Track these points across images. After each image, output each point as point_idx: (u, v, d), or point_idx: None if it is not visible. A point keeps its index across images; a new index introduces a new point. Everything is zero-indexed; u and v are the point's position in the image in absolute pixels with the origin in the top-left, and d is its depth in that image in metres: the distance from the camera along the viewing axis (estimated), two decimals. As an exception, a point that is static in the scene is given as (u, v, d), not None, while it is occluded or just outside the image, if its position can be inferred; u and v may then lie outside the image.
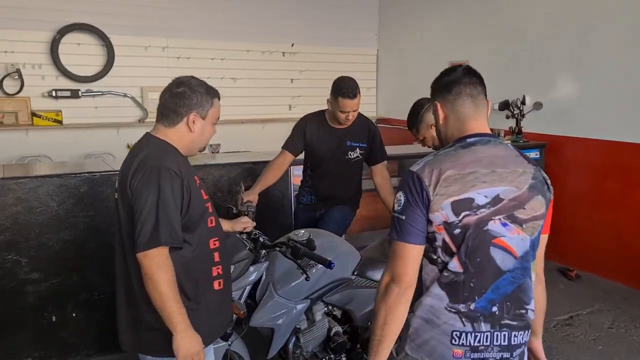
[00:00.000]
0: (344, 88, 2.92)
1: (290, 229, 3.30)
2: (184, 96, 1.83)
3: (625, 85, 4.10)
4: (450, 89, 1.53)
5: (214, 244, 1.85)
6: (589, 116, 4.45)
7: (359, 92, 2.94)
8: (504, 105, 4.76)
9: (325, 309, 2.56)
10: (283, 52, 6.39)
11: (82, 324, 3.14)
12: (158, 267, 1.63)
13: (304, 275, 2.16)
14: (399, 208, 1.43)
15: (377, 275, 2.57)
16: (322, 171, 3.19)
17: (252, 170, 3.54)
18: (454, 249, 1.41)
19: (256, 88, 6.21)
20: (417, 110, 2.63)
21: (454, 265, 1.42)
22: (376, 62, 7.10)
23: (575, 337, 3.47)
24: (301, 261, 2.23)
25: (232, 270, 2.22)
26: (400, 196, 1.43)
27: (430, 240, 1.44)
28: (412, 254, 1.42)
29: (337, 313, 2.63)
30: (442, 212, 1.39)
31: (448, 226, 1.40)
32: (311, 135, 3.13)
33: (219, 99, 1.99)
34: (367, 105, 6.98)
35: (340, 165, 3.15)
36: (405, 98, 6.60)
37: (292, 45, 6.41)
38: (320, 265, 2.17)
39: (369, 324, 2.65)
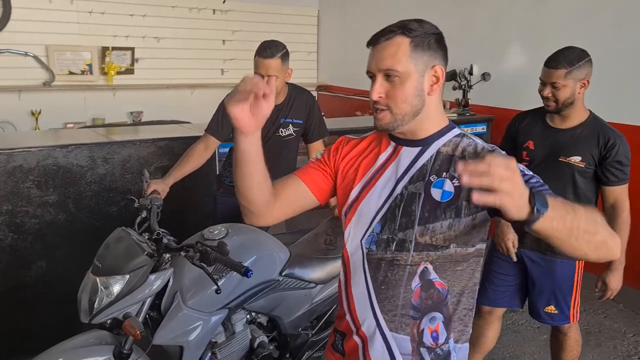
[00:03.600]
0: (263, 46, 2.51)
1: (215, 216, 2.90)
2: None
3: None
4: None
5: None
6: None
7: (282, 57, 2.50)
8: (451, 76, 4.46)
9: (248, 316, 2.19)
10: (213, 10, 5.77)
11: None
12: None
13: (215, 287, 1.76)
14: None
15: (308, 274, 2.24)
16: None
17: (169, 148, 3.06)
18: None
19: (183, 49, 5.60)
20: (582, 54, 2.16)
21: None
22: (317, 24, 6.62)
23: (519, 326, 3.30)
24: (214, 267, 1.84)
25: (126, 280, 1.81)
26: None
27: None
28: None
29: (263, 320, 2.27)
30: None
31: None
32: None
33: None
34: (307, 70, 6.53)
35: (270, 146, 2.72)
36: (349, 64, 6.29)
37: (223, 2, 5.79)
38: (236, 271, 1.77)
39: (299, 330, 2.32)
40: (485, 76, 4.48)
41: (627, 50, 3.48)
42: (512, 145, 2.41)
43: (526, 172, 1.15)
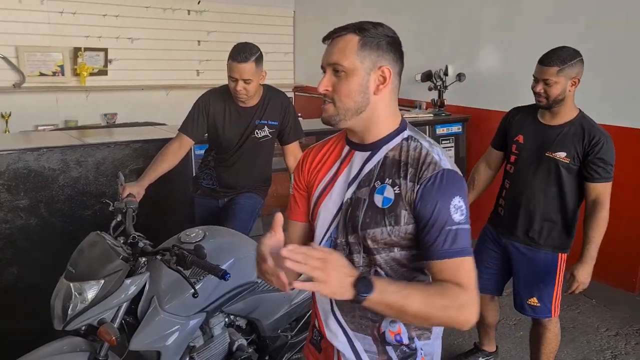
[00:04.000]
0: (236, 50, 2.48)
1: (193, 219, 2.86)
2: None
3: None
4: None
5: None
6: (513, 90, 4.27)
7: (256, 60, 2.48)
8: (427, 77, 4.50)
9: (226, 320, 2.17)
10: (188, 10, 5.71)
11: None
12: None
13: (191, 291, 1.74)
14: (465, 218, 1.18)
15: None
16: (227, 157, 2.73)
17: (144, 151, 3.02)
18: None
19: (158, 50, 5.53)
20: (575, 53, 2.21)
21: None
22: (293, 25, 6.60)
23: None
24: (191, 271, 1.82)
25: (101, 285, 1.78)
26: (462, 202, 1.18)
27: None
28: None
29: (241, 323, 2.25)
30: None
31: None
32: (216, 117, 2.64)
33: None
34: (284, 71, 6.52)
35: (246, 148, 2.71)
36: (324, 64, 6.32)
37: (198, 3, 5.74)
38: (213, 274, 1.76)
39: (278, 332, 2.31)
40: (460, 77, 4.53)
41: (598, 50, 3.56)
42: (502, 139, 2.49)
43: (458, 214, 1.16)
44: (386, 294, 1.06)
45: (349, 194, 1.26)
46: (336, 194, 1.28)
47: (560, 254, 2.37)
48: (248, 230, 2.64)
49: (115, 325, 1.81)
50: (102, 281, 1.79)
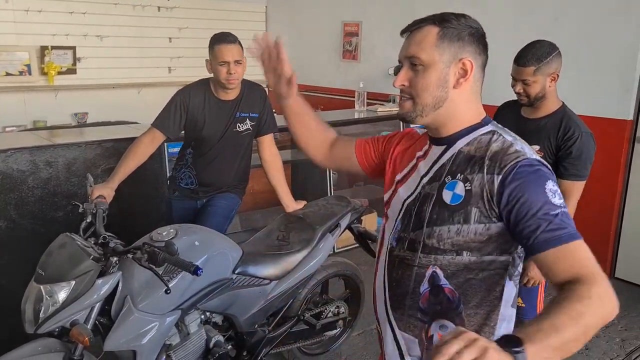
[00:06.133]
0: (220, 34, 2.51)
1: (170, 222, 2.80)
2: None
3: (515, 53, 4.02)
4: None
5: None
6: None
7: (240, 44, 2.53)
8: (399, 70, 4.51)
9: (202, 317, 2.17)
10: (158, 7, 5.62)
11: None
12: None
13: (165, 287, 1.73)
14: (563, 201, 1.07)
15: (261, 271, 2.23)
16: (206, 152, 2.69)
17: (116, 150, 2.97)
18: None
19: (128, 48, 5.43)
20: (550, 49, 2.15)
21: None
22: (265, 20, 6.57)
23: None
24: (164, 268, 1.81)
25: (72, 286, 1.76)
26: (555, 186, 1.08)
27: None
28: None
29: (218, 319, 2.25)
30: None
31: None
32: (196, 112, 2.59)
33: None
34: (257, 67, 6.44)
35: (227, 141, 2.67)
36: (298, 59, 6.24)
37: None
38: (187, 271, 1.75)
39: (255, 327, 2.32)
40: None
41: (566, 42, 3.62)
42: None
43: (552, 209, 1.03)
44: (538, 343, 0.85)
45: (419, 188, 1.21)
46: (408, 187, 1.25)
47: None
48: (223, 232, 2.61)
49: (89, 326, 1.79)
50: (73, 282, 1.77)
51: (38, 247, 1.97)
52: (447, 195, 1.14)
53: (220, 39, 2.49)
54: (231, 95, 2.62)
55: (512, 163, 1.07)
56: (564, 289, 0.98)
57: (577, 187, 2.15)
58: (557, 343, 0.88)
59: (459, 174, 1.13)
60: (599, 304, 0.94)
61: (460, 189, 1.12)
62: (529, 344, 0.84)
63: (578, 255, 1.01)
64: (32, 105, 5.05)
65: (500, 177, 1.06)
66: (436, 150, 1.22)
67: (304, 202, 2.73)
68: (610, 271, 3.80)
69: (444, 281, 1.16)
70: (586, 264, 1.00)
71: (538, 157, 1.11)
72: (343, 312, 2.72)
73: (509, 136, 1.16)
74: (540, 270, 1.06)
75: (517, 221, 1.04)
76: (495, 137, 1.15)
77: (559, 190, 1.06)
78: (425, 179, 1.20)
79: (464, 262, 1.14)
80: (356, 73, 5.41)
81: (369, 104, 4.71)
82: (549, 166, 1.11)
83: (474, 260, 1.13)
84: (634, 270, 3.72)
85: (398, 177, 1.30)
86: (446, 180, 1.15)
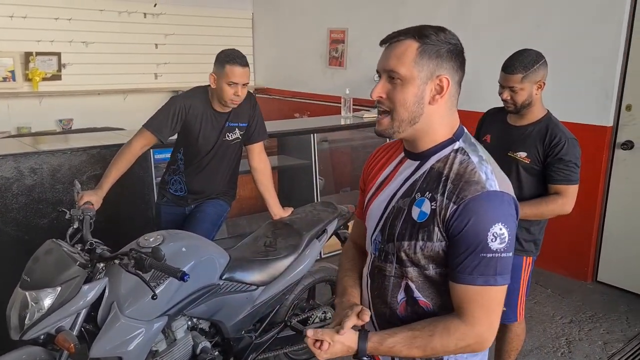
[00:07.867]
0: (233, 54, 2.47)
1: (159, 227, 2.79)
2: None
3: (499, 60, 4.08)
4: None
5: None
6: (465, 88, 4.39)
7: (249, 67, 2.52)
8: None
9: (189, 323, 2.17)
10: (144, 14, 5.63)
11: None
12: None
13: (151, 293, 1.73)
14: (505, 245, 1.10)
15: (248, 277, 2.24)
16: (198, 161, 2.67)
17: (102, 157, 2.97)
18: None
19: (114, 54, 5.42)
20: (537, 57, 2.19)
21: None
22: (252, 27, 6.59)
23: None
24: (151, 274, 1.81)
25: (58, 292, 1.75)
26: (504, 229, 1.09)
27: None
28: None
29: (204, 325, 2.25)
30: None
31: None
32: (194, 122, 2.56)
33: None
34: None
35: (217, 151, 2.67)
36: (285, 65, 6.32)
37: (154, 5, 5.67)
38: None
39: (242, 333, 2.32)
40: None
41: (548, 49, 3.69)
42: (476, 137, 2.48)
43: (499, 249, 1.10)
44: (382, 349, 1.15)
45: (393, 202, 1.22)
46: (383, 199, 1.26)
47: (524, 257, 2.31)
48: (211, 239, 2.60)
49: (75, 332, 1.79)
50: (59, 288, 1.76)
51: (23, 254, 1.96)
52: (415, 212, 1.16)
53: (234, 59, 2.45)
54: (227, 109, 2.62)
55: (469, 196, 1.09)
56: (448, 314, 1.16)
57: (570, 191, 2.19)
58: (402, 354, 1.15)
59: (428, 192, 1.15)
60: (461, 347, 1.13)
61: (426, 206, 1.14)
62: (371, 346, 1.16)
63: (479, 300, 1.11)
64: (16, 112, 5.01)
65: (455, 207, 1.10)
66: (409, 164, 1.24)
67: (291, 209, 2.74)
68: (593, 275, 3.85)
69: (417, 294, 1.21)
70: (479, 310, 1.12)
71: (498, 188, 1.11)
72: (330, 318, 2.74)
73: (475, 156, 1.16)
74: (450, 291, 1.16)
75: (452, 249, 1.12)
76: (460, 156, 1.16)
77: (504, 234, 1.08)
78: (399, 193, 1.23)
79: (431, 276, 1.18)
80: (342, 79, 5.44)
81: (355, 110, 4.74)
82: (509, 197, 1.13)
83: (440, 272, 1.17)
84: (616, 273, 3.78)
85: (372, 189, 1.32)
86: (416, 197, 1.17)
